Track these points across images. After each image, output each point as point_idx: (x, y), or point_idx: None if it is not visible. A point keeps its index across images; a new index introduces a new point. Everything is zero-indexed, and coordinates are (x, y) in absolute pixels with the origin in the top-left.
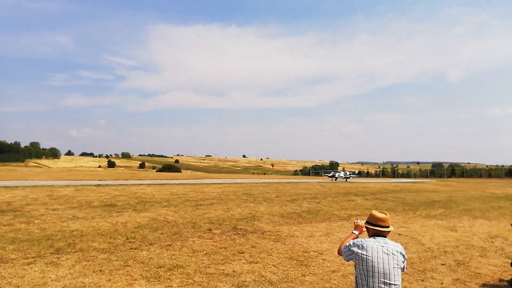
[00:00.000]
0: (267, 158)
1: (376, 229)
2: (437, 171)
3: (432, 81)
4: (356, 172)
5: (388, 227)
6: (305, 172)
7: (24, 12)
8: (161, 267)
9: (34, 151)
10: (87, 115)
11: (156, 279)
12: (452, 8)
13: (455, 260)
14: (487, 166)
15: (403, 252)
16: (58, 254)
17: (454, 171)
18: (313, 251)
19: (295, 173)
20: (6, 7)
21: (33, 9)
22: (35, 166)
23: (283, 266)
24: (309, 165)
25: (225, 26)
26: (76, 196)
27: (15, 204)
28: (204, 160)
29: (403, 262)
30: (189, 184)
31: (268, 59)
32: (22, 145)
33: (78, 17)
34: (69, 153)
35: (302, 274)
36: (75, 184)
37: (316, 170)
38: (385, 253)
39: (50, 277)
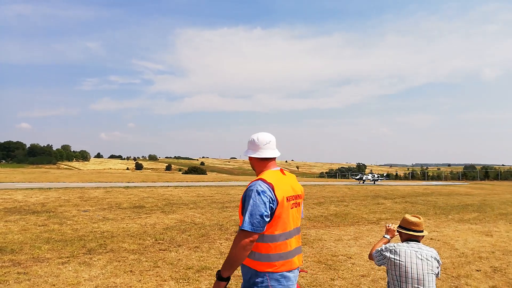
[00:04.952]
0: (292, 160)
1: (409, 233)
2: (469, 173)
3: (465, 80)
4: (384, 175)
5: (422, 231)
6: (331, 174)
7: (56, 20)
8: (189, 268)
9: (65, 154)
10: (116, 119)
11: (185, 280)
12: (485, 5)
13: (491, 267)
14: None
15: (438, 258)
16: (90, 255)
17: (488, 173)
18: (342, 255)
19: (321, 175)
20: (40, 16)
21: (65, 17)
22: (66, 168)
23: (311, 270)
24: (335, 167)
25: (251, 28)
26: (106, 197)
27: (48, 205)
28: (229, 162)
29: (438, 267)
30: (215, 186)
31: (294, 61)
32: (54, 148)
33: (107, 23)
34: (98, 156)
35: (331, 278)
36: (105, 186)
37: (343, 173)
38: (419, 258)
39: (83, 277)
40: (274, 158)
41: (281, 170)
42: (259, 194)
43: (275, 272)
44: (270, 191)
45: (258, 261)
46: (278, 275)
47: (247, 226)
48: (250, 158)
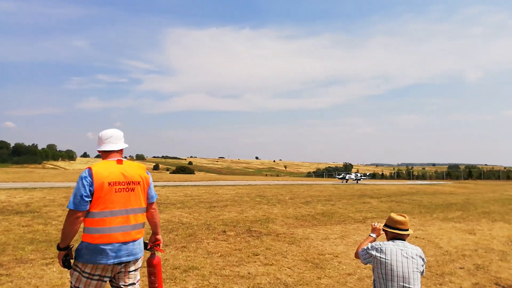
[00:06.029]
0: (280, 160)
1: (395, 232)
2: (454, 172)
3: (449, 82)
4: (367, 174)
5: (407, 230)
6: (318, 174)
7: (43, 18)
8: (176, 268)
9: (51, 153)
10: (103, 118)
11: (172, 280)
12: (471, 8)
13: (474, 264)
14: (505, 167)
15: (423, 256)
16: None
17: (471, 172)
18: (328, 254)
19: (308, 175)
20: (27, 13)
21: (52, 15)
22: (51, 168)
23: (298, 268)
24: (322, 167)
25: (239, 28)
26: None
27: (33, 205)
28: (217, 161)
29: (422, 265)
30: (203, 185)
31: (282, 61)
32: (39, 147)
33: (95, 22)
34: (85, 155)
35: (318, 277)
36: None
37: (330, 172)
38: (404, 256)
39: (68, 278)
40: (116, 151)
41: (118, 161)
42: (82, 179)
43: (91, 242)
44: (90, 176)
45: (83, 233)
46: (93, 245)
47: (70, 205)
48: (98, 150)
